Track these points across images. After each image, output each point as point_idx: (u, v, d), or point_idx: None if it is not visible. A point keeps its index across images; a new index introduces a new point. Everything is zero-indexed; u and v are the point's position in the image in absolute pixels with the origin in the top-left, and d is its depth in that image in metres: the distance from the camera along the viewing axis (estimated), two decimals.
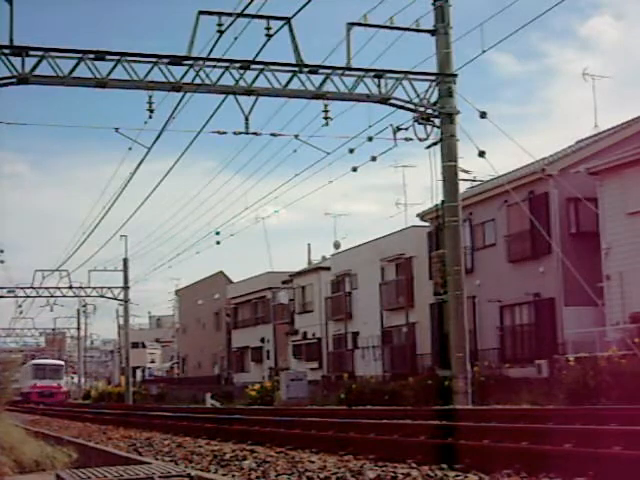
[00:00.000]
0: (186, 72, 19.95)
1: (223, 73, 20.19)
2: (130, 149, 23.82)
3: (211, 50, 19.81)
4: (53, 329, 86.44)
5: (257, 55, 20.21)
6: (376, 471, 8.94)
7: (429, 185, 24.72)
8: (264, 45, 19.94)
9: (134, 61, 19.61)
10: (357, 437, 12.72)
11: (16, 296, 56.02)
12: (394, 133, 22.05)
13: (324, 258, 54.87)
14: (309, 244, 71.54)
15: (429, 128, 21.55)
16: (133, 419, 25.12)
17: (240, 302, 63.23)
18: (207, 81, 20.12)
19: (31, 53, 18.95)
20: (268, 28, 19.73)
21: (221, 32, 19.31)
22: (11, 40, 18.65)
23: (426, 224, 36.97)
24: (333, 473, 9.06)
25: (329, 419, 16.68)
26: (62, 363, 79.07)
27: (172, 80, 19.82)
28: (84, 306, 76.17)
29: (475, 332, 32.58)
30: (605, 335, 26.21)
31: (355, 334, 45.76)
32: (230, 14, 19.28)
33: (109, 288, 55.01)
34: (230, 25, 19.19)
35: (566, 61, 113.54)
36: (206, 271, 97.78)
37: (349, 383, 33.14)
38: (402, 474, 8.61)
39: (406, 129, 21.87)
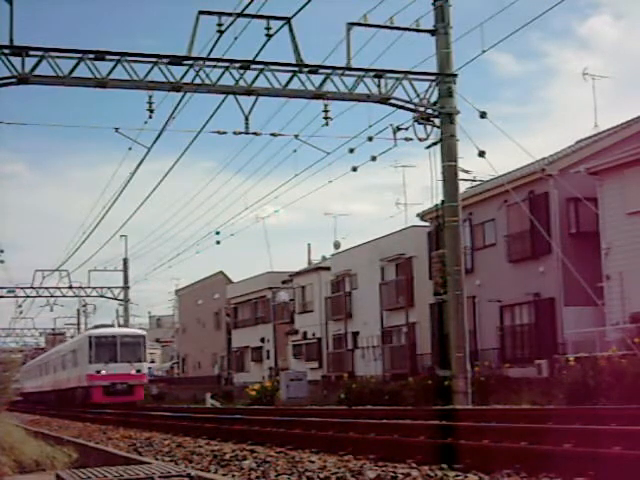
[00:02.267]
0: (186, 72, 19.97)
1: (223, 73, 20.21)
2: (130, 149, 23.91)
3: (211, 50, 19.86)
4: (53, 329, 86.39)
5: (257, 55, 20.26)
6: (376, 471, 8.93)
7: (429, 185, 24.77)
8: (264, 45, 19.99)
9: (134, 61, 19.64)
10: (357, 437, 12.71)
11: (16, 296, 56.18)
12: (394, 133, 22.08)
13: (324, 258, 54.90)
14: (309, 244, 71.49)
15: (429, 128, 21.57)
16: (133, 419, 25.11)
17: (240, 302, 63.23)
18: (207, 81, 20.14)
19: (31, 53, 18.98)
20: (268, 28, 19.75)
21: (221, 32, 19.34)
22: (11, 40, 18.67)
23: (426, 224, 36.97)
24: (333, 473, 9.06)
25: (329, 419, 16.67)
26: (143, 333, 46.54)
27: (172, 80, 19.85)
28: (84, 306, 76.09)
29: (475, 332, 32.58)
30: (605, 335, 26.20)
31: (355, 334, 45.77)
32: (230, 14, 19.31)
33: (109, 288, 55.09)
34: (230, 25, 19.23)
35: (566, 61, 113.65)
36: (206, 271, 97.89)
37: (349, 383, 33.13)
38: (402, 474, 8.60)
39: (406, 129, 21.91)
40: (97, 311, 69.06)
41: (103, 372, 41.83)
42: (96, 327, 47.49)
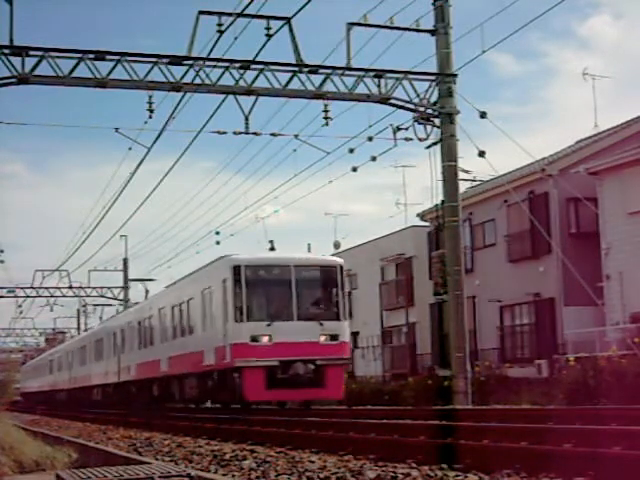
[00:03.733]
0: (186, 72, 20.00)
1: (223, 73, 20.23)
2: (130, 149, 23.93)
3: (211, 50, 19.89)
4: (53, 329, 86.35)
5: (257, 55, 20.29)
6: (376, 471, 8.92)
7: (429, 185, 24.76)
8: (264, 45, 20.03)
9: (134, 61, 19.67)
10: (357, 437, 12.71)
11: (16, 296, 56.15)
12: (394, 133, 22.10)
13: None
14: (309, 244, 71.32)
15: (429, 128, 21.59)
16: (133, 419, 25.11)
17: None
18: (207, 81, 20.16)
19: (31, 53, 19.01)
20: (268, 28, 19.78)
21: (221, 32, 19.37)
22: (11, 40, 18.69)
23: (426, 224, 36.97)
24: (333, 473, 9.05)
25: (329, 419, 16.68)
26: (339, 262, 22.55)
27: (172, 80, 19.86)
28: (84, 306, 76.06)
29: (475, 332, 32.58)
30: (605, 335, 26.21)
31: (355, 334, 45.73)
32: (230, 14, 19.34)
33: (109, 288, 55.09)
34: (230, 25, 19.27)
35: (566, 61, 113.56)
36: None
37: (349, 383, 33.15)
38: (402, 474, 8.59)
39: (406, 129, 21.94)
40: (96, 311, 68.67)
41: (265, 340, 20.95)
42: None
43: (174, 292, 28.27)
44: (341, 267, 22.19)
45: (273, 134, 22.78)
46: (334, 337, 21.45)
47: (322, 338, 21.27)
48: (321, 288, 22.34)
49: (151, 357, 29.40)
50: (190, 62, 19.94)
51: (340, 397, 22.25)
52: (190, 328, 25.43)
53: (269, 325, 20.97)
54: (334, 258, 23.51)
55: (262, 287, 21.73)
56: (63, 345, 58.44)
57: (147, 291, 36.57)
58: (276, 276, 21.63)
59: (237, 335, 21.08)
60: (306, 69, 20.62)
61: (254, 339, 20.87)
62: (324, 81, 20.74)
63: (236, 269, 21.30)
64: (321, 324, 21.29)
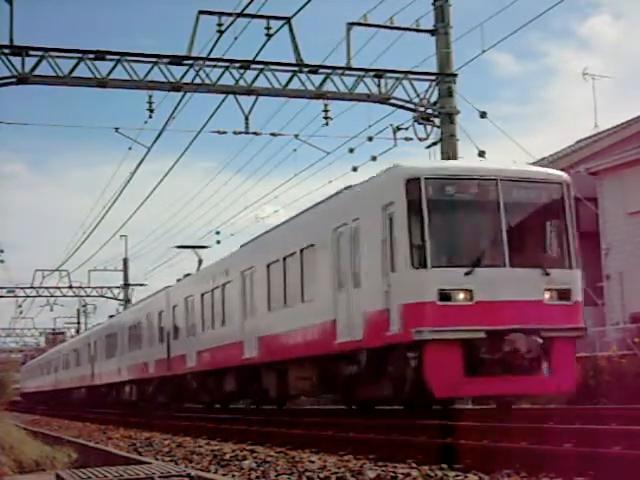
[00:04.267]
0: (186, 72, 20.04)
1: (223, 73, 20.26)
2: (130, 149, 23.99)
3: (211, 50, 19.93)
4: (53, 329, 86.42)
5: (257, 55, 20.33)
6: (376, 471, 8.92)
7: None
8: (264, 45, 20.07)
9: (134, 61, 19.71)
10: (357, 437, 12.71)
11: (16, 296, 56.31)
12: (394, 133, 22.11)
13: None
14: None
15: (429, 128, 21.61)
16: (133, 419, 25.11)
17: None
18: (207, 81, 20.19)
19: (31, 53, 19.05)
20: (268, 28, 19.82)
21: (221, 32, 19.40)
22: (11, 40, 18.73)
23: None
24: (333, 473, 9.05)
25: (329, 419, 16.68)
26: (566, 178, 14.74)
27: (172, 80, 19.89)
28: (84, 306, 76.07)
29: None
30: (605, 335, 26.20)
31: None
32: (230, 14, 19.38)
33: (109, 288, 55.15)
34: (230, 25, 19.31)
35: (566, 61, 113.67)
36: None
37: None
38: (402, 474, 8.58)
39: (406, 129, 21.95)
40: (97, 311, 68.60)
41: (461, 298, 13.16)
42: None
43: (270, 246, 19.87)
44: (569, 186, 14.68)
45: (273, 134, 22.82)
46: (564, 294, 14.70)
47: (547, 295, 14.26)
48: (544, 216, 14.80)
49: (226, 340, 22.05)
50: (190, 62, 19.96)
51: (572, 390, 14.72)
52: (305, 292, 17.36)
53: (468, 274, 13.24)
54: (559, 172, 15.39)
55: (454, 214, 14.05)
56: (81, 335, 51.78)
57: (200, 261, 31.19)
58: (475, 196, 13.81)
59: (416, 289, 13.20)
60: (306, 69, 20.64)
61: (445, 296, 13.11)
62: (324, 81, 20.76)
63: (412, 185, 13.34)
64: (547, 273, 14.21)
